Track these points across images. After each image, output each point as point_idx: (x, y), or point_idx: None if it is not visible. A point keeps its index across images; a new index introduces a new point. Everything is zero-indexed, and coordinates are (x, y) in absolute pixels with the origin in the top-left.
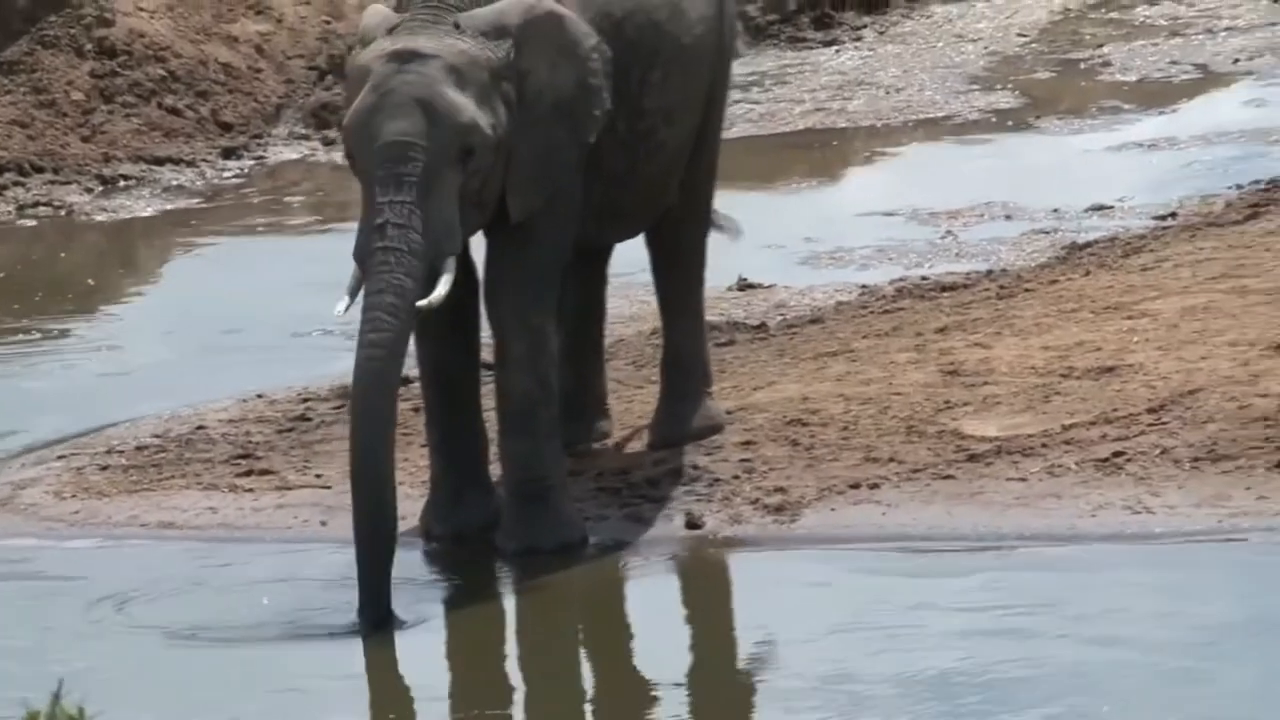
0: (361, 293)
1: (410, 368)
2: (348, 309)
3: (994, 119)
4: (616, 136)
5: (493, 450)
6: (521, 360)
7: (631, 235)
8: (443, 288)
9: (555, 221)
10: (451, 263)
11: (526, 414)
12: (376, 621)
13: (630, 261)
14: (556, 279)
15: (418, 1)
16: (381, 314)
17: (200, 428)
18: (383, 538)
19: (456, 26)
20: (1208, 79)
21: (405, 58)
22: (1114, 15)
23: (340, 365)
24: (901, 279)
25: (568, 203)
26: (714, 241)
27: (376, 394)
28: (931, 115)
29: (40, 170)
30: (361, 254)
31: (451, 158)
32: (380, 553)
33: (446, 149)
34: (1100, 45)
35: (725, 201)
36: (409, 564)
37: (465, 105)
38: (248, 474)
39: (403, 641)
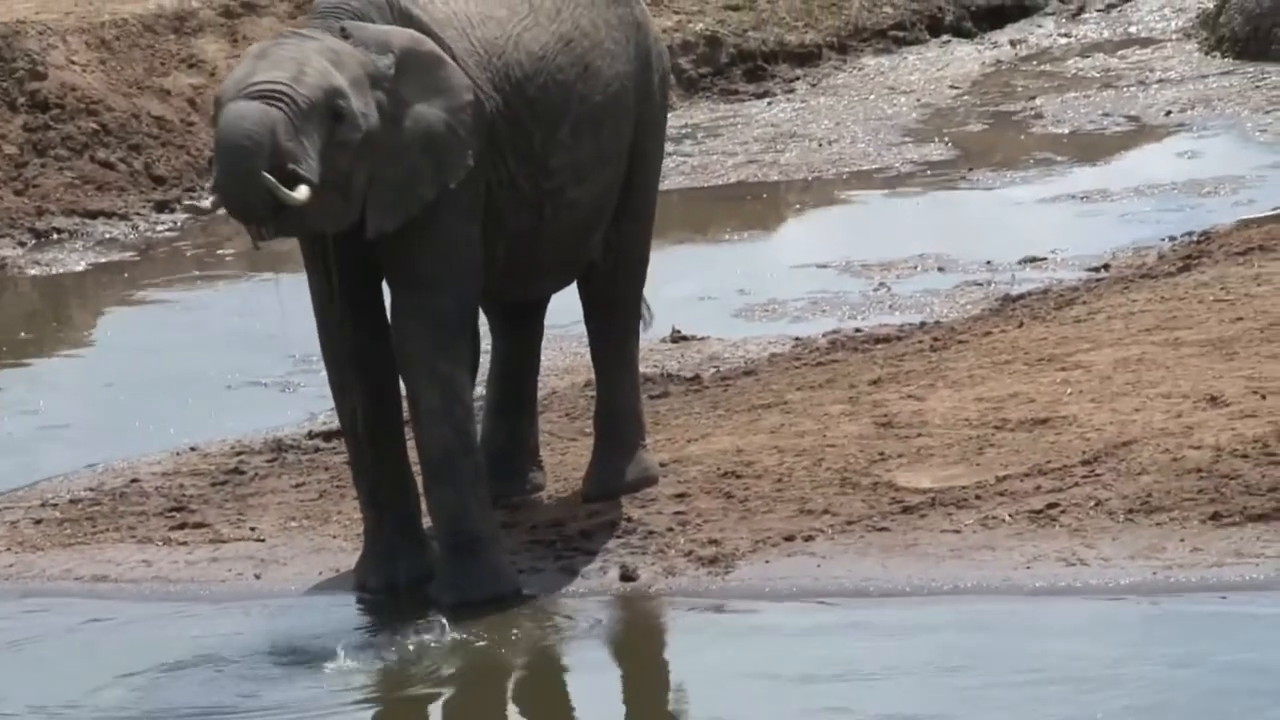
0: None
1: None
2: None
3: (927, 171)
4: (520, 194)
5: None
6: (436, 411)
7: (554, 289)
8: (302, 192)
9: (454, 272)
10: (304, 191)
11: (446, 464)
12: None
13: (564, 314)
14: (462, 328)
15: (308, 18)
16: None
17: (134, 481)
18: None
19: (343, 31)
20: (1140, 131)
21: (285, 35)
22: (1046, 68)
23: (274, 419)
24: (835, 331)
25: (466, 254)
26: (646, 293)
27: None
28: (864, 167)
29: None
30: (219, 184)
31: (319, 110)
32: None
33: (316, 100)
34: (1033, 97)
35: (659, 254)
36: (343, 618)
37: (338, 76)
38: (181, 527)
39: (331, 695)
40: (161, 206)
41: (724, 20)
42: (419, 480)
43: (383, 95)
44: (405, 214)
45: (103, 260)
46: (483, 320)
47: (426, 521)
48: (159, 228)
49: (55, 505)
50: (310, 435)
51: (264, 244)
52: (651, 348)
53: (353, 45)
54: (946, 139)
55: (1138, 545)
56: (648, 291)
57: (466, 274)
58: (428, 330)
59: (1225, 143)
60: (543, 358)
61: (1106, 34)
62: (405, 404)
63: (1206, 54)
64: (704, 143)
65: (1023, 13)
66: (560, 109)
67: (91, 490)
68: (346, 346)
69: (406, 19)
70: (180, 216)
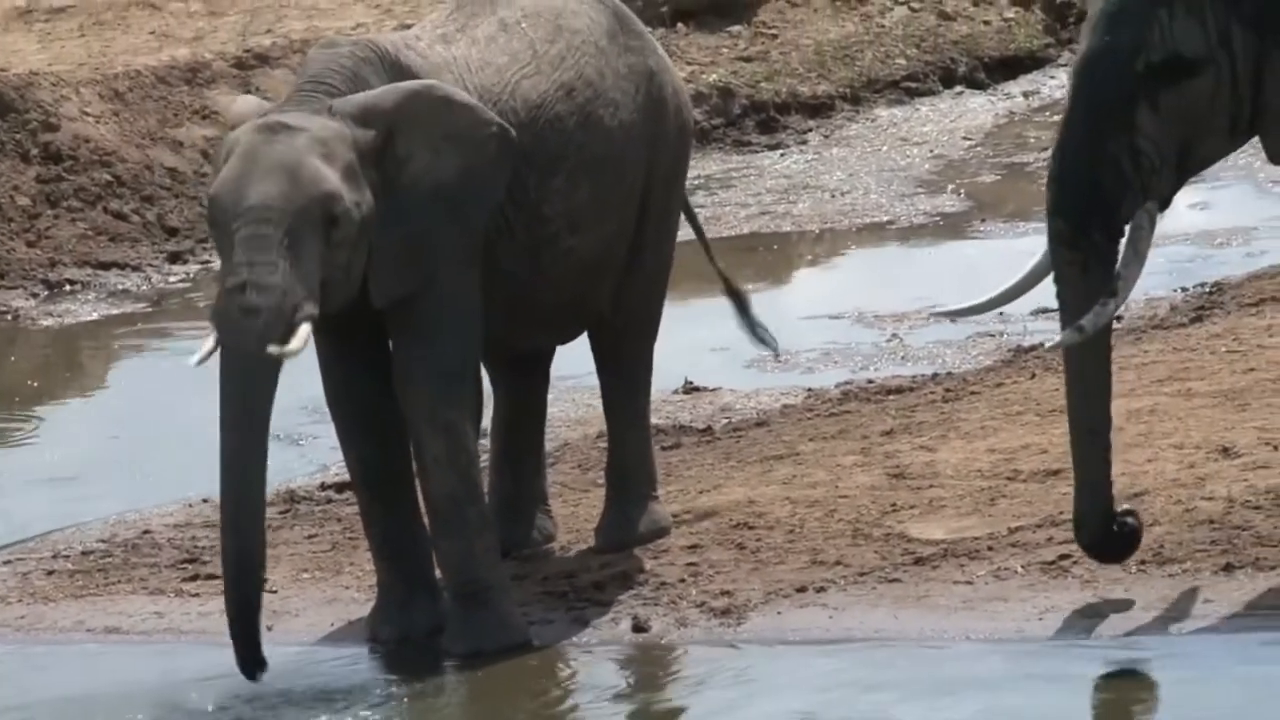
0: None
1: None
2: (201, 362)
3: (939, 222)
4: (516, 242)
5: None
6: (440, 459)
7: (560, 340)
8: (299, 340)
9: (454, 320)
10: (305, 331)
11: (453, 513)
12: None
13: (576, 365)
14: (464, 376)
15: (295, 89)
16: (240, 373)
17: (146, 532)
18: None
19: (331, 110)
20: None
21: (274, 129)
22: (1058, 119)
23: (286, 470)
24: (847, 382)
25: (466, 301)
26: (661, 344)
27: (245, 479)
28: (877, 218)
29: None
30: (219, 315)
31: (315, 224)
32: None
33: (310, 214)
34: (1045, 149)
35: (671, 305)
36: (356, 669)
37: (330, 175)
38: (194, 578)
39: None
40: (174, 258)
41: (736, 71)
42: (429, 529)
43: (376, 171)
44: (419, 276)
45: (115, 311)
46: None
47: (438, 572)
48: (171, 279)
49: (67, 557)
50: (323, 486)
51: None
52: (663, 399)
53: (342, 123)
54: (959, 190)
55: (1150, 597)
56: (660, 343)
57: (467, 322)
58: (430, 379)
59: (1237, 194)
60: (555, 409)
61: None
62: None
63: None
64: (716, 194)
65: (1035, 64)
66: (557, 157)
67: (104, 542)
68: (353, 397)
69: (399, 70)
70: (192, 268)
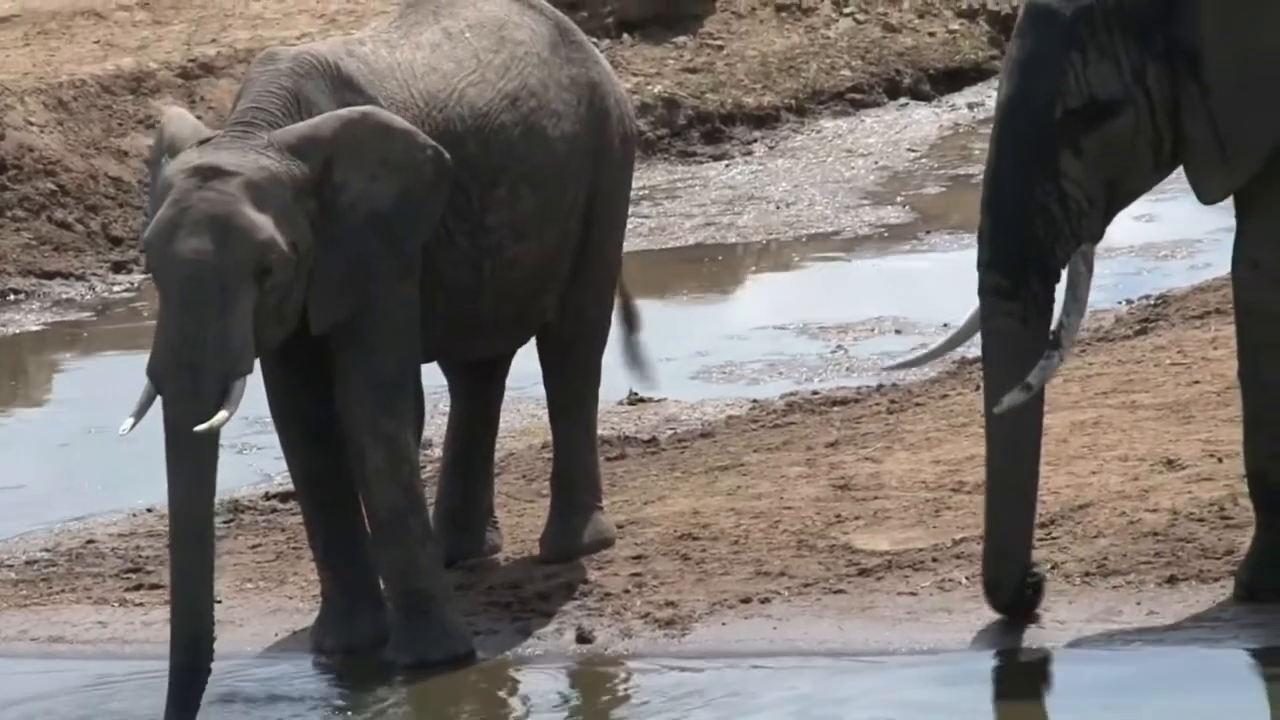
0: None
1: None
2: (132, 429)
3: (884, 234)
4: (458, 251)
5: None
6: (382, 471)
7: (506, 348)
8: (224, 413)
9: (394, 332)
10: (240, 386)
11: (395, 524)
12: None
13: (521, 375)
14: (404, 387)
15: (235, 116)
16: (182, 440)
17: (90, 542)
18: (201, 670)
19: (269, 143)
20: None
21: (206, 174)
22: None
23: (230, 480)
24: (792, 393)
25: (405, 312)
26: (606, 354)
27: (192, 539)
28: (822, 230)
29: None
30: (155, 371)
31: (247, 276)
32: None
33: (242, 267)
34: None
35: (616, 315)
36: (300, 679)
37: (264, 224)
38: (138, 588)
39: None
40: (118, 267)
41: (682, 82)
42: (371, 540)
43: (313, 201)
44: (357, 301)
45: (59, 320)
46: (440, 381)
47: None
48: (115, 288)
49: (11, 566)
50: (267, 496)
51: None
52: (608, 409)
53: (277, 155)
54: (904, 202)
55: (1094, 608)
56: (605, 353)
57: (406, 333)
58: (370, 390)
59: (1182, 207)
60: (501, 419)
61: None
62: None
63: None
64: (661, 204)
65: (980, 76)
66: (500, 167)
67: (47, 551)
68: (297, 408)
69: (340, 80)
70: (137, 277)
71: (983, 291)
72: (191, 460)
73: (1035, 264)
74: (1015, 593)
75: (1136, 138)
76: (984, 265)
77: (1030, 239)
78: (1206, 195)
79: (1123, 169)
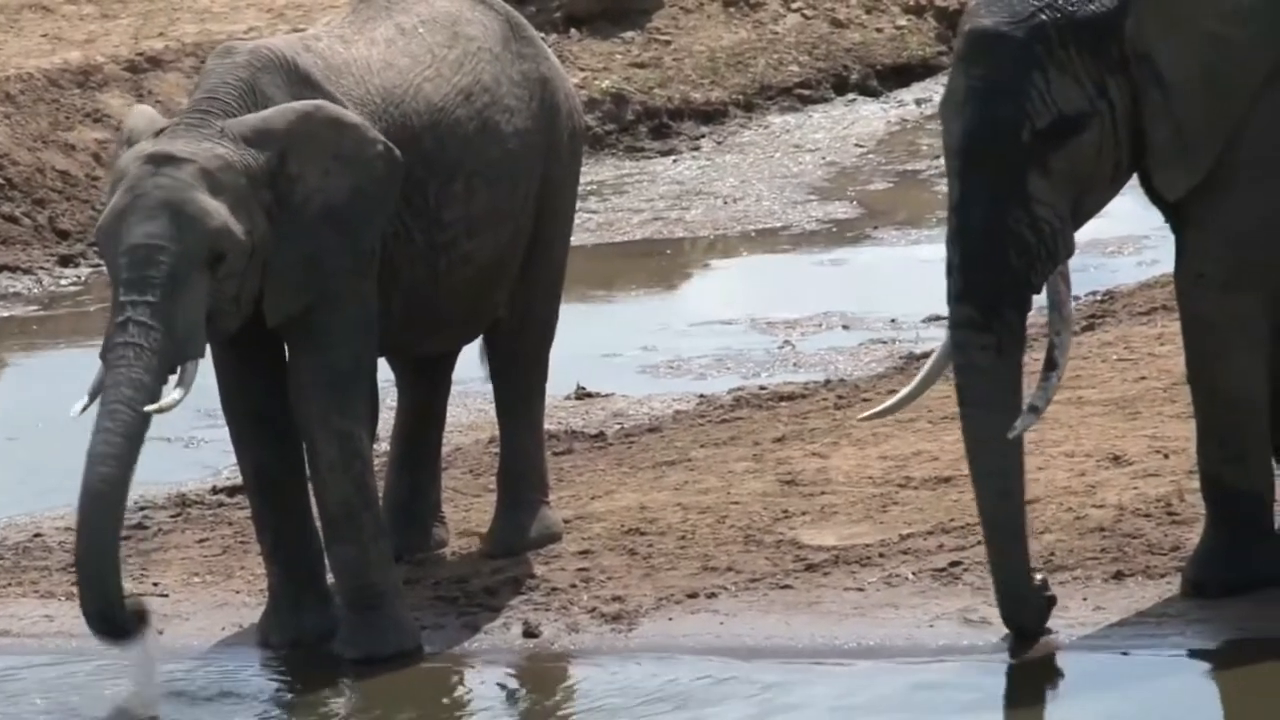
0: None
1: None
2: (84, 410)
3: (832, 229)
4: (414, 247)
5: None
6: (334, 466)
7: (457, 344)
8: (176, 395)
9: (348, 327)
10: (192, 369)
11: (347, 519)
12: None
13: (468, 370)
14: (358, 383)
15: (189, 105)
16: (117, 410)
17: (37, 535)
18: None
19: (223, 132)
20: None
21: (160, 160)
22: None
23: (177, 474)
24: (739, 388)
25: (360, 308)
26: (554, 349)
27: (101, 516)
28: (769, 225)
29: None
30: (106, 352)
31: (199, 262)
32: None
33: (194, 253)
34: (937, 156)
35: (564, 310)
36: (246, 674)
37: (216, 210)
38: None
39: None
40: (65, 261)
41: (630, 77)
42: (322, 535)
43: (269, 191)
44: (312, 294)
45: (5, 314)
46: (387, 374)
47: (330, 577)
48: (63, 282)
49: None
50: (214, 490)
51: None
52: (556, 404)
53: (232, 145)
54: (852, 197)
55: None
56: (553, 348)
57: (361, 329)
58: (324, 386)
59: (1129, 202)
60: (448, 414)
61: None
62: (306, 458)
63: None
64: (609, 199)
65: (928, 72)
66: (456, 162)
67: None
68: (247, 401)
69: (297, 75)
70: (84, 271)
71: (956, 325)
72: (120, 453)
73: (1010, 293)
74: (1038, 620)
75: (1101, 150)
76: (955, 298)
77: (1006, 269)
78: (1172, 190)
79: (1088, 184)
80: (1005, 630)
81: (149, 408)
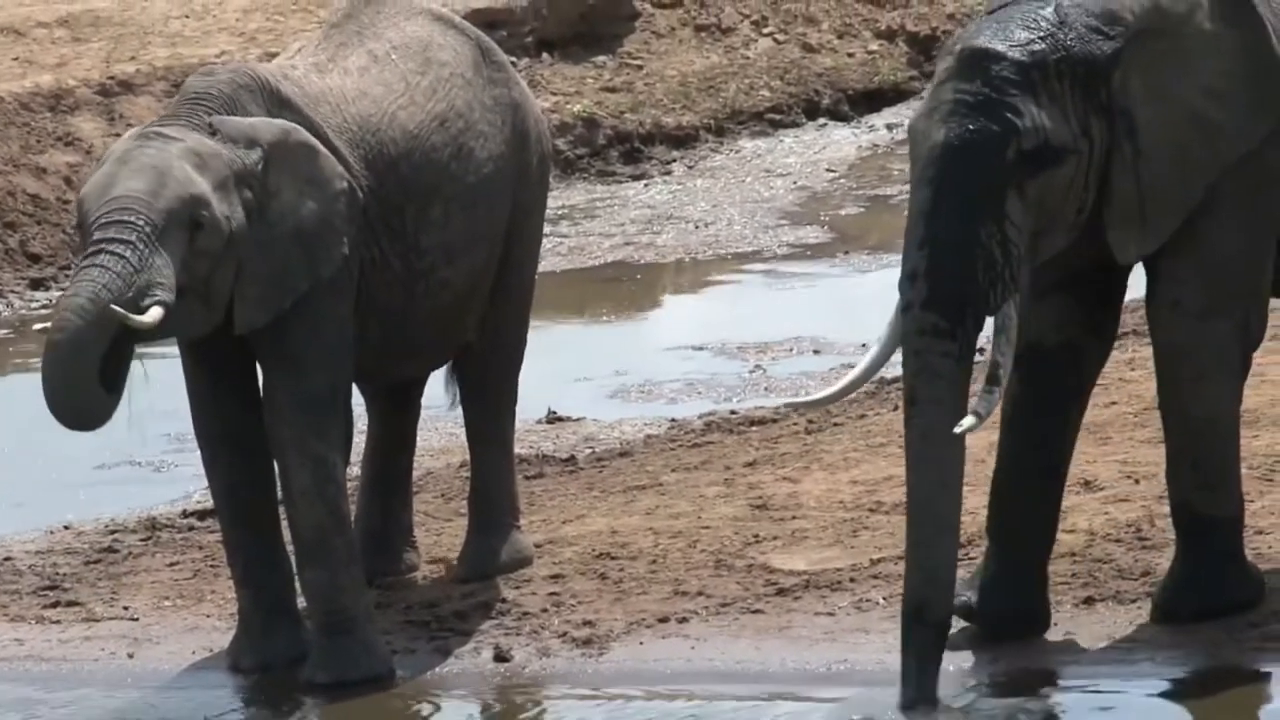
0: None
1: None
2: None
3: (803, 254)
4: (392, 273)
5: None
6: (308, 490)
7: (430, 369)
8: (153, 314)
9: (325, 352)
10: (161, 305)
11: (320, 544)
12: None
13: (439, 394)
14: (333, 408)
15: (174, 105)
16: (70, 311)
17: (7, 559)
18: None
19: (210, 128)
20: None
21: (149, 137)
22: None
23: (148, 498)
24: (710, 413)
25: (337, 333)
26: (525, 374)
27: (80, 329)
28: (740, 250)
29: None
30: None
31: (179, 223)
32: None
33: (175, 214)
34: (908, 181)
35: (535, 334)
36: (216, 698)
37: (200, 181)
38: (55, 605)
39: None
40: (36, 284)
41: (601, 102)
42: (293, 559)
43: (250, 193)
44: (277, 307)
45: None
46: (358, 399)
47: (301, 601)
48: (33, 305)
49: None
50: (185, 514)
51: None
52: (527, 429)
53: (219, 141)
54: (823, 222)
55: None
56: (524, 373)
57: (338, 353)
58: (299, 410)
59: None
60: (419, 438)
61: None
62: (279, 482)
63: None
64: (580, 224)
65: (899, 97)
66: (433, 188)
67: None
68: (219, 425)
69: (277, 99)
70: (55, 294)
71: (919, 332)
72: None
73: (974, 306)
74: (944, 614)
75: (1070, 190)
76: (920, 305)
77: (972, 281)
78: (1126, 254)
79: (1050, 221)
80: (985, 654)
81: (120, 310)
